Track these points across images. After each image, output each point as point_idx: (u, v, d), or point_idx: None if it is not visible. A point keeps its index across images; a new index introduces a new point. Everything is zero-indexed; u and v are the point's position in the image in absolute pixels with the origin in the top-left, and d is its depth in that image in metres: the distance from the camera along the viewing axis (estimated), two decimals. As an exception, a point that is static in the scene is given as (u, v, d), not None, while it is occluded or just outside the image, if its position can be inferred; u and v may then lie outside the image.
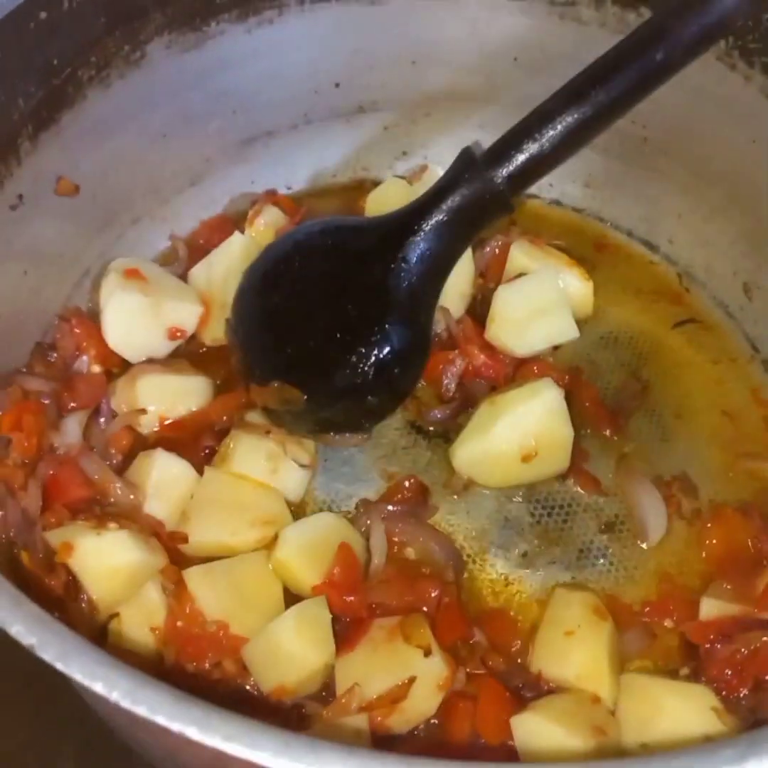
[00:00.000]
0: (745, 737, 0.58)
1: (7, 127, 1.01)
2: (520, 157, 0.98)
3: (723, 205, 1.27)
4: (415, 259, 1.04)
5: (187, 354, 1.20)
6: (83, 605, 0.95)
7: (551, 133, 0.97)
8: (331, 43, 1.25)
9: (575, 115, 0.96)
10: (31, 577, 0.92)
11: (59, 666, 0.61)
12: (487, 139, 1.03)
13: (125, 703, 0.58)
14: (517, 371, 1.18)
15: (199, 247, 1.28)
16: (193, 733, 0.57)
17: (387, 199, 1.26)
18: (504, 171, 0.99)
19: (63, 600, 0.93)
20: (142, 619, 0.95)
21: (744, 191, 1.23)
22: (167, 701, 0.59)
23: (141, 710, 0.58)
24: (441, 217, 1.03)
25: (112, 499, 1.03)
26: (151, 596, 0.96)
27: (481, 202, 1.02)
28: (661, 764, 0.57)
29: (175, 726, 0.57)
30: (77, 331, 1.14)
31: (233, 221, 1.29)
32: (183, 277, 1.24)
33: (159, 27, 1.11)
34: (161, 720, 0.57)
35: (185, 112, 1.21)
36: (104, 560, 0.94)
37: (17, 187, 1.05)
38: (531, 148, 0.98)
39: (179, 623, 0.95)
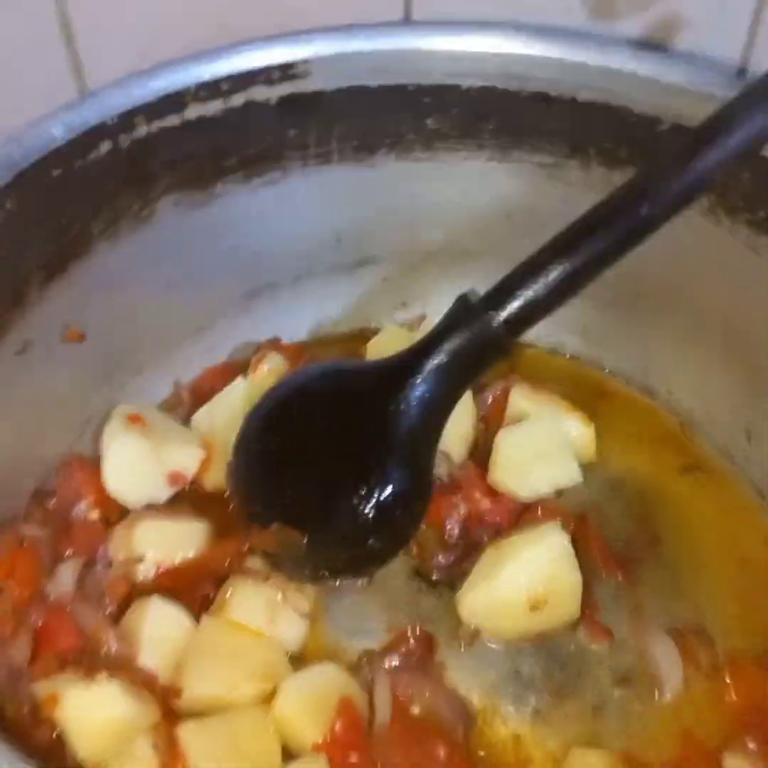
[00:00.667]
0: None
1: (17, 276, 1.05)
2: (515, 304, 1.00)
3: (718, 355, 1.28)
4: (414, 401, 1.04)
5: (188, 499, 1.18)
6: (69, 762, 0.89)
7: (543, 281, 0.99)
8: (331, 201, 1.30)
9: (565, 265, 0.99)
10: (15, 731, 0.87)
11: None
12: (483, 291, 1.06)
13: None
14: (521, 516, 1.16)
15: (203, 393, 1.29)
16: None
17: (386, 346, 1.28)
18: (500, 316, 1.01)
19: (49, 756, 0.88)
20: (133, 778, 0.89)
21: (738, 341, 1.25)
22: None
23: None
24: (439, 361, 1.04)
25: (104, 650, 0.99)
26: (143, 753, 0.90)
27: (479, 345, 1.03)
28: None
29: None
30: (78, 475, 1.14)
31: (237, 368, 1.31)
32: (186, 422, 1.25)
33: (168, 187, 1.16)
34: None
35: (191, 267, 1.24)
36: (92, 713, 0.90)
37: (24, 334, 1.06)
38: (525, 295, 1.00)
39: (172, 783, 0.89)
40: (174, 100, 1.11)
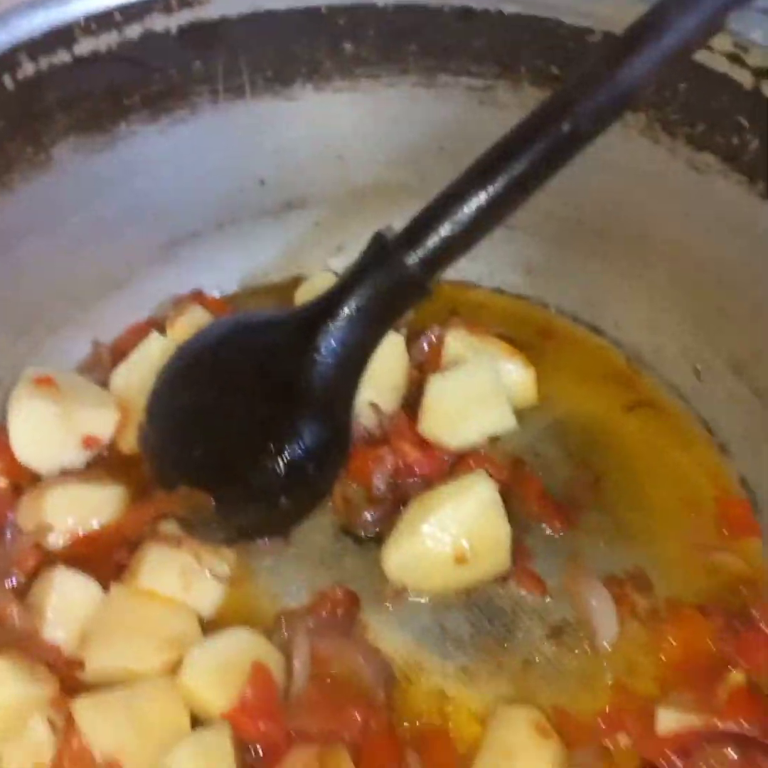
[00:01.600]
0: None
1: None
2: (432, 240, 0.93)
3: (665, 285, 1.22)
4: (328, 351, 0.99)
5: (105, 463, 1.13)
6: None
7: (461, 213, 0.92)
8: (250, 139, 1.22)
9: (484, 194, 0.92)
10: None
11: None
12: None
13: None
14: (453, 467, 1.10)
15: (124, 352, 1.22)
16: None
17: (316, 294, 1.21)
18: (416, 254, 0.94)
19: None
20: (25, 759, 0.86)
21: (685, 269, 1.18)
22: None
23: None
24: (354, 306, 0.98)
25: (7, 625, 0.95)
26: (37, 732, 0.87)
27: (395, 287, 0.97)
28: None
29: None
30: (-18, 443, 1.09)
31: (159, 325, 1.25)
32: (105, 383, 1.19)
33: (64, 129, 1.09)
34: None
35: (99, 218, 1.17)
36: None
37: None
38: (442, 230, 0.93)
39: (65, 763, 0.85)
40: (62, 35, 1.04)
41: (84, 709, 0.87)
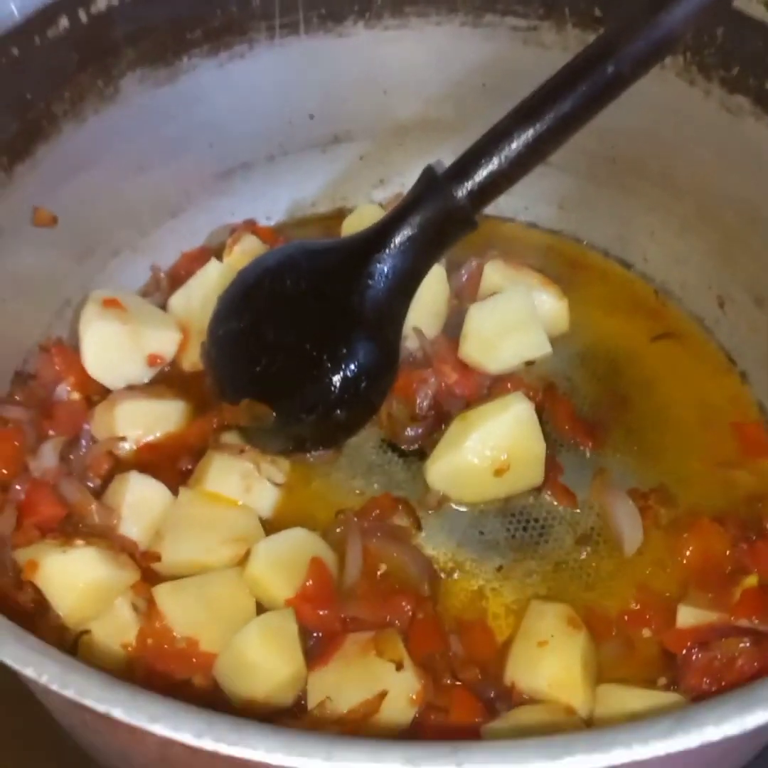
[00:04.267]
0: (674, 713, 0.58)
1: (-19, 159, 1.05)
2: (480, 175, 1.00)
3: (693, 221, 1.28)
4: (380, 277, 1.06)
5: (167, 379, 1.21)
6: (53, 622, 0.95)
7: (508, 150, 0.99)
8: (302, 75, 1.28)
9: (531, 132, 0.98)
10: (2, 594, 0.93)
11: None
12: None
13: (54, 686, 0.58)
14: (491, 389, 1.19)
15: (180, 278, 1.30)
16: (119, 713, 0.57)
17: (362, 225, 1.28)
18: (465, 188, 1.01)
19: (33, 616, 0.94)
20: (112, 635, 0.95)
21: (712, 205, 1.24)
22: (95, 684, 0.59)
23: (69, 693, 0.58)
24: (405, 235, 1.05)
25: (88, 521, 1.04)
26: (122, 613, 0.96)
27: (444, 219, 1.04)
28: (593, 739, 0.56)
29: (102, 707, 0.57)
30: (57, 359, 1.16)
31: (213, 252, 1.32)
32: (164, 307, 1.26)
33: (131, 62, 1.15)
34: (89, 702, 0.57)
35: (161, 146, 1.24)
36: (70, 577, 0.95)
37: (-4, 218, 1.08)
38: (490, 165, 0.99)
39: (149, 640, 0.95)
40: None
41: (165, 594, 0.97)
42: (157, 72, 1.18)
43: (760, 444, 1.17)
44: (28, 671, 0.60)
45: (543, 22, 1.23)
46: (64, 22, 1.07)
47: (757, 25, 1.06)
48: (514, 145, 0.99)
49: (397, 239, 1.05)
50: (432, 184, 1.04)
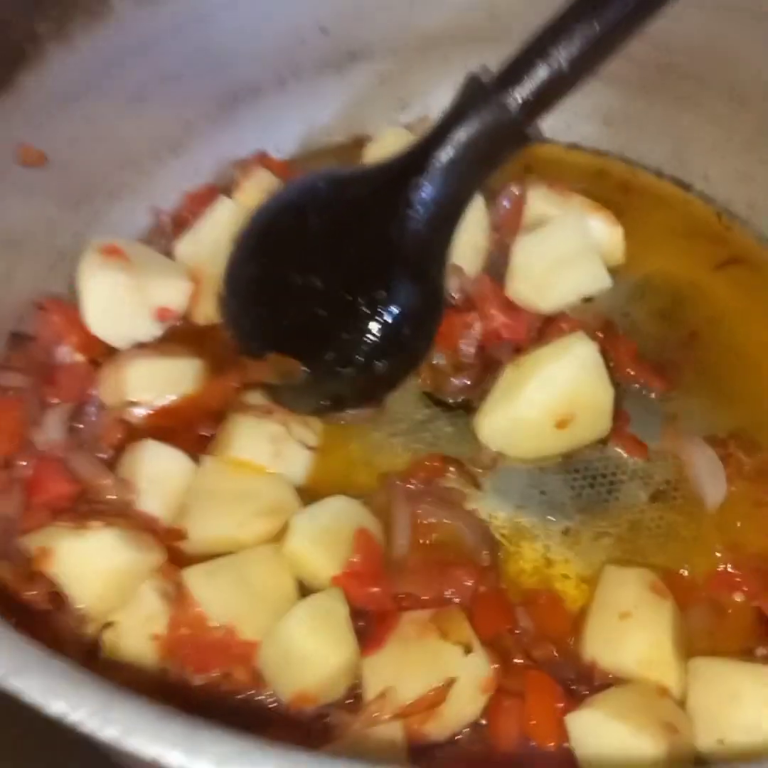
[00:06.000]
0: None
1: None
2: (535, 79, 0.87)
3: (761, 132, 1.15)
4: (420, 205, 0.93)
5: (179, 335, 1.09)
6: (73, 616, 0.84)
7: (566, 50, 0.87)
8: (314, -17, 1.14)
9: (590, 29, 0.86)
10: (11, 589, 0.82)
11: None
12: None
13: (92, 725, 0.47)
14: (543, 331, 1.06)
15: (185, 221, 1.17)
16: (177, 758, 0.46)
17: (387, 152, 1.15)
18: (517, 96, 0.88)
19: (49, 613, 0.83)
20: (140, 627, 0.85)
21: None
22: (144, 719, 0.47)
23: (110, 733, 0.46)
24: (448, 155, 0.92)
25: (103, 498, 0.93)
26: (149, 600, 0.85)
27: (493, 133, 0.91)
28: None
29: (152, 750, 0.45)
30: (55, 318, 1.05)
31: (221, 191, 1.18)
32: (169, 254, 1.14)
33: (122, -28, 1.00)
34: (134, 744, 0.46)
35: (157, 73, 1.10)
36: (88, 564, 0.84)
37: (-25, 159, 0.95)
38: (545, 68, 0.87)
39: (182, 630, 0.84)
40: None
41: (196, 578, 0.86)
42: (152, -16, 1.04)
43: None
44: (58, 706, 0.47)
45: None
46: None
47: None
48: (573, 45, 0.86)
49: (439, 160, 0.93)
50: (478, 93, 0.90)
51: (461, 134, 0.90)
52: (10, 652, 0.52)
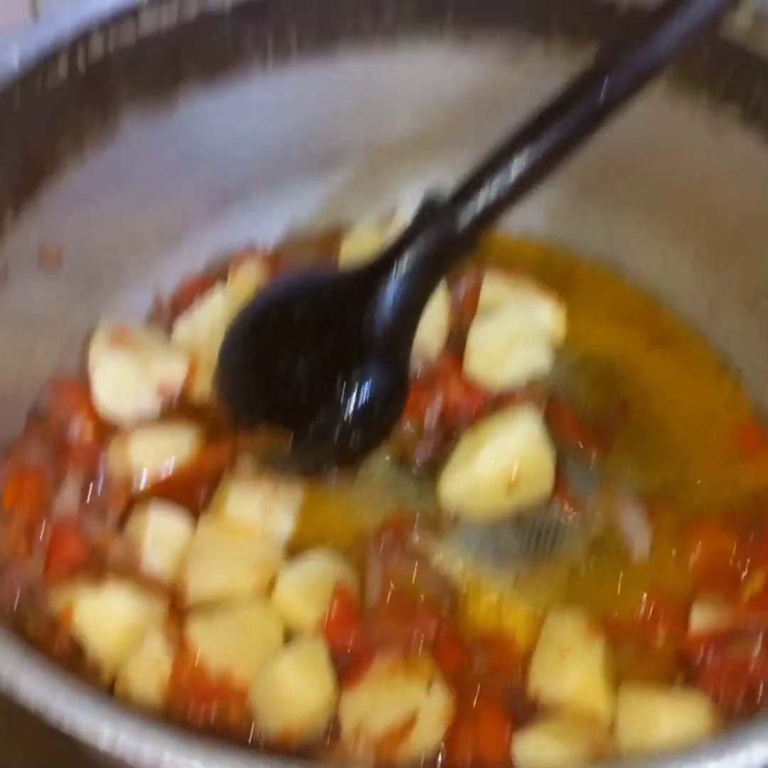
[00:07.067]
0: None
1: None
2: (480, 200, 1.01)
3: (684, 227, 1.32)
4: (387, 305, 1.07)
5: (178, 409, 1.23)
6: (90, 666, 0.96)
7: (506, 176, 1.00)
8: (296, 101, 1.30)
9: (530, 156, 1.00)
10: (36, 643, 0.92)
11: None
12: (455, 181, 1.07)
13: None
14: (497, 402, 1.22)
15: (183, 305, 1.32)
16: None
17: (360, 246, 1.32)
18: (466, 214, 1.03)
19: (70, 664, 0.95)
20: (147, 673, 0.96)
21: (703, 210, 1.28)
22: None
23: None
24: (408, 264, 1.06)
25: (112, 557, 1.06)
26: (154, 649, 0.97)
27: (447, 245, 1.05)
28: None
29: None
30: (68, 396, 1.18)
31: (215, 278, 1.34)
32: (168, 333, 1.28)
33: (128, 100, 1.16)
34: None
35: (161, 178, 1.25)
36: (105, 616, 0.96)
37: (2, 260, 1.09)
38: (488, 191, 1.01)
39: (184, 674, 0.96)
40: (128, 14, 1.11)
41: (198, 630, 0.98)
42: (155, 107, 1.19)
43: (759, 442, 1.21)
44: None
45: (529, 44, 1.26)
46: (63, 67, 1.08)
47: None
48: (511, 172, 1.00)
49: (401, 268, 1.06)
50: (433, 211, 1.05)
51: (418, 247, 1.04)
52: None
